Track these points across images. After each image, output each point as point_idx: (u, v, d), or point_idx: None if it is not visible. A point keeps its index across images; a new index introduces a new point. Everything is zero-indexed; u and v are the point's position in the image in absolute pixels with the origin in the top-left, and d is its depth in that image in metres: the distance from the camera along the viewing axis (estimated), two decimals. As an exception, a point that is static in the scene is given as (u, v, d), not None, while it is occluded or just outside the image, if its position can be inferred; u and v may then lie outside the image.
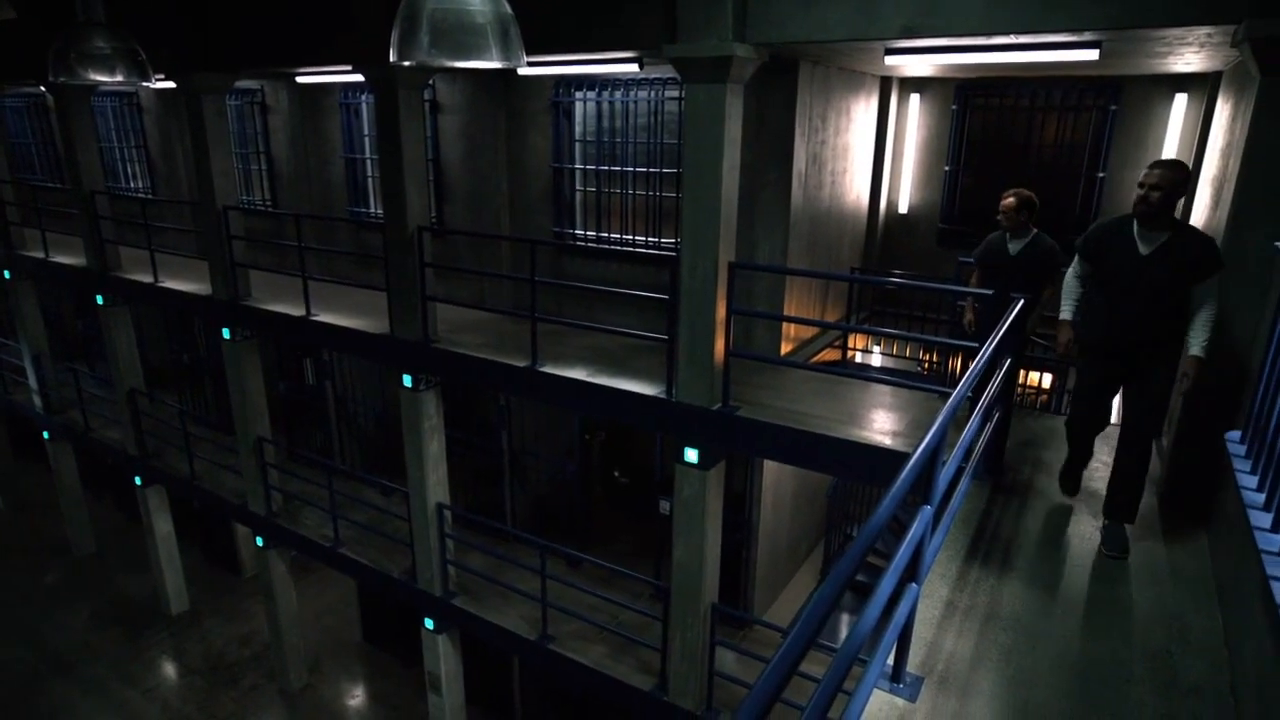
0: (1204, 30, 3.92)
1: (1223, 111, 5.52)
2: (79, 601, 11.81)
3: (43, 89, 10.93)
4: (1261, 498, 2.23)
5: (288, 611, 9.66)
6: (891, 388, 5.94)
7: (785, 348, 6.83)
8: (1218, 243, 3.64)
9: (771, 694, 1.38)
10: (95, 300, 10.24)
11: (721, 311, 5.28)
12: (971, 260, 5.20)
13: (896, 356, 8.27)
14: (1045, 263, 4.82)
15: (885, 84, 7.76)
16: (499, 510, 8.97)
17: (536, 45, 2.90)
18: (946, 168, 7.82)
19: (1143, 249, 3.64)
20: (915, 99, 7.85)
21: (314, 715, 9.68)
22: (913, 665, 2.98)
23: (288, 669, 9.88)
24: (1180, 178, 3.50)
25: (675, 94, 6.83)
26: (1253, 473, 2.40)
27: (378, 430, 10.19)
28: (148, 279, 9.36)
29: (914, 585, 2.78)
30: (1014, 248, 4.90)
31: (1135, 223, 3.65)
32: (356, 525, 8.52)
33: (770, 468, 7.02)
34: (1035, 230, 4.88)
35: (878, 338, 8.15)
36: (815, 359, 7.16)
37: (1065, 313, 4.09)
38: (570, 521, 8.70)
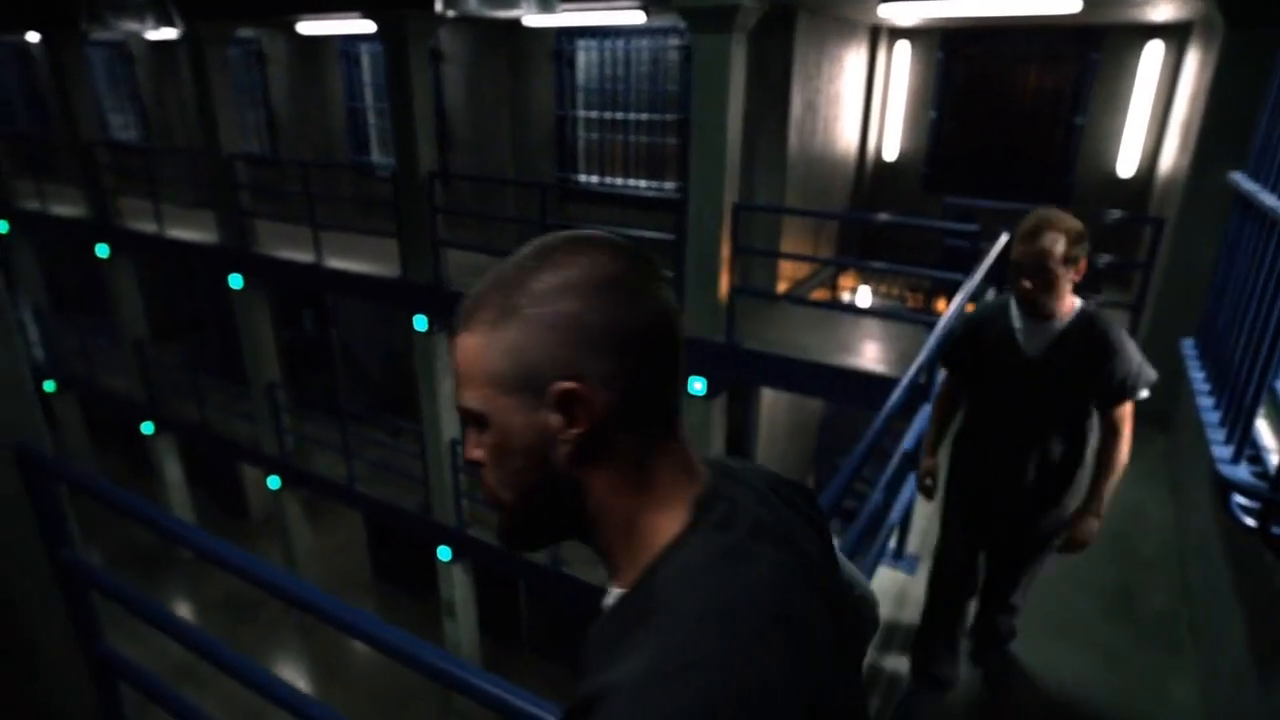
0: (1176, -18, 4.28)
1: (1192, 59, 5.90)
2: (92, 547, 12.15)
3: (33, 39, 10.83)
4: (1209, 386, 2.68)
5: (302, 550, 10.09)
6: (880, 324, 6.39)
7: (780, 287, 7.23)
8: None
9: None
10: (96, 252, 10.35)
11: (726, 250, 5.66)
12: (949, 360, 2.62)
13: (884, 296, 8.71)
14: (1103, 374, 2.25)
15: (874, 33, 8.03)
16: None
17: (561, -4, 3.21)
18: (932, 114, 8.15)
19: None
20: (903, 48, 8.14)
21: (330, 647, 10.20)
22: (911, 547, 3.45)
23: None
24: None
25: (677, 42, 7.08)
26: (1202, 369, 2.85)
27: (384, 374, 10.52)
28: (150, 229, 9.50)
29: (914, 473, 3.23)
30: (1033, 340, 2.34)
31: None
32: (368, 464, 8.90)
33: (766, 402, 7.48)
34: (1082, 302, 2.32)
35: (866, 279, 8.57)
36: (808, 299, 7.57)
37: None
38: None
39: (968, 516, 2.59)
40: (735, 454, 6.96)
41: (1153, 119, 6.98)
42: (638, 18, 6.80)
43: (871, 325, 6.44)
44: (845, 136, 8.00)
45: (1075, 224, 2.16)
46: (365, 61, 9.12)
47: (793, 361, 5.67)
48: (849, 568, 0.98)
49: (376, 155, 9.50)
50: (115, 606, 2.19)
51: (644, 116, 7.51)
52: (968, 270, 4.70)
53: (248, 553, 1.81)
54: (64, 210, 10.72)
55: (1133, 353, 2.24)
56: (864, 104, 8.29)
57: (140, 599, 2.15)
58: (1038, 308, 2.23)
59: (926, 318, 5.86)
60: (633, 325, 0.69)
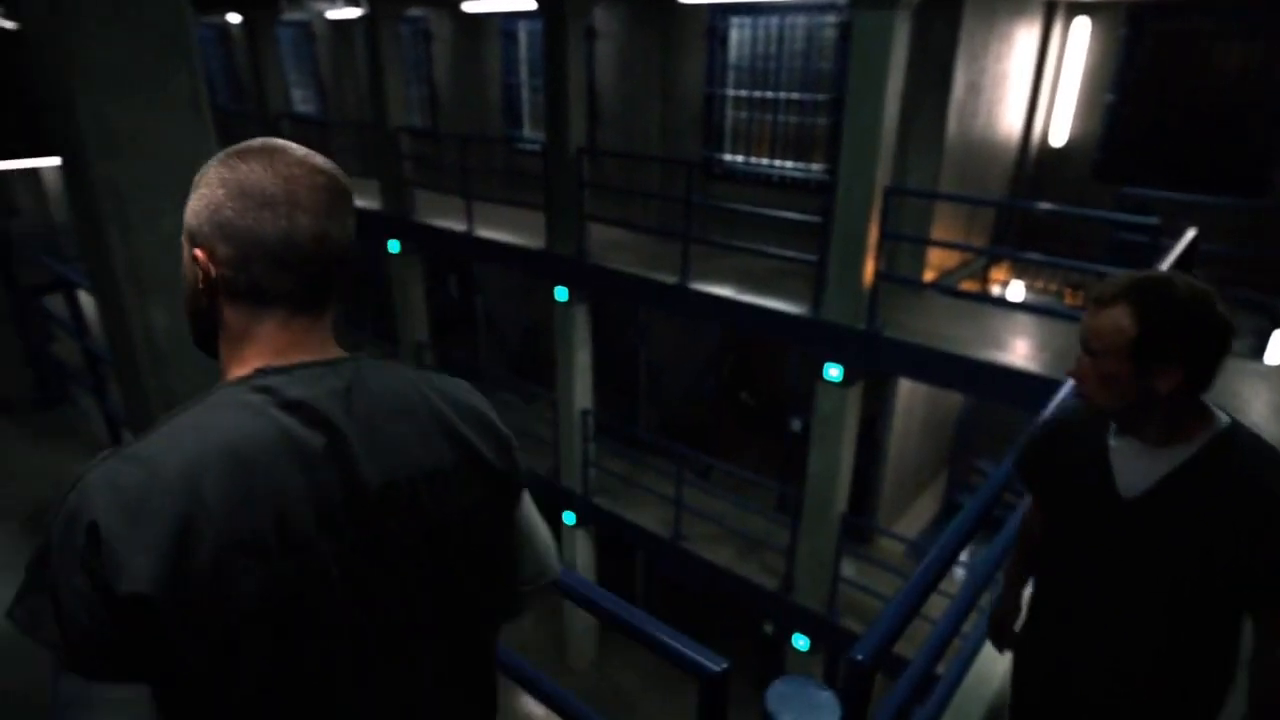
0: None
1: None
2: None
3: (231, 19, 11.95)
4: None
5: (438, 501, 10.75)
6: (1033, 320, 6.05)
7: (927, 276, 6.95)
8: None
9: (916, 598, 1.54)
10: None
11: (874, 235, 5.51)
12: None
13: (1039, 292, 8.19)
14: (1250, 550, 1.34)
15: (1050, 9, 7.49)
16: (632, 420, 9.61)
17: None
18: (1109, 97, 7.52)
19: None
20: (1081, 24, 7.54)
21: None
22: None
23: (437, 552, 11.06)
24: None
25: (834, 19, 6.89)
26: None
27: (522, 341, 10.98)
28: (323, 195, 10.32)
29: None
30: (1134, 470, 1.48)
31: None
32: (504, 427, 9.35)
33: (903, 394, 7.24)
34: (1223, 420, 1.43)
35: (1020, 271, 8.09)
36: (955, 290, 7.24)
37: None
38: (700, 434, 9.23)
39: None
40: (865, 443, 6.74)
41: (1382, 105, 6.15)
42: (795, -6, 6.68)
43: (1023, 321, 6.11)
44: (1009, 119, 7.54)
45: (1184, 300, 1.31)
46: (523, 39, 9.46)
47: (936, 353, 5.46)
48: (534, 528, 1.14)
49: (528, 130, 9.86)
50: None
51: (794, 96, 7.38)
52: (1143, 268, 4.33)
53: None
54: (250, 176, 11.81)
55: None
56: (1032, 85, 7.77)
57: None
58: (1114, 418, 1.47)
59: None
60: (257, 231, 0.88)
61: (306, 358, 0.92)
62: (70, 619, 0.75)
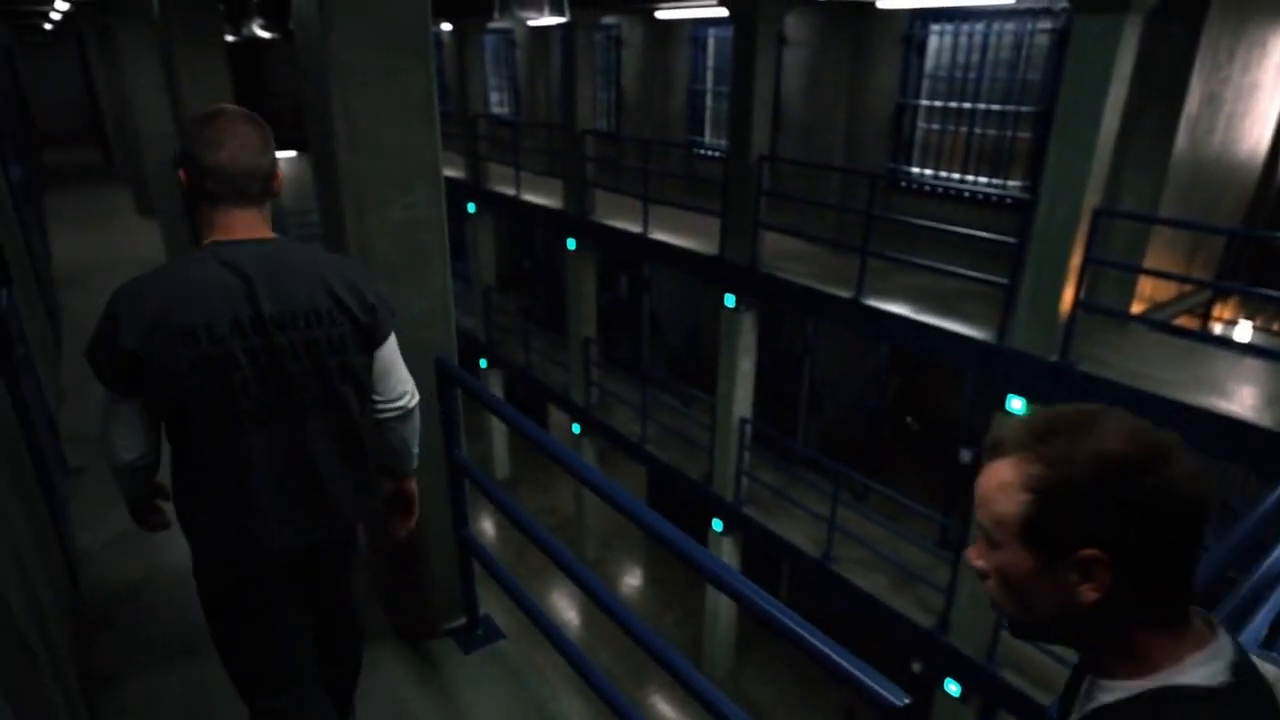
0: None
1: None
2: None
3: (442, 27, 12.97)
4: None
5: (588, 493, 11.09)
6: (1265, 367, 5.32)
7: (1135, 308, 6.30)
8: None
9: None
10: (466, 208, 12.19)
11: (1076, 259, 5.06)
12: None
13: (1275, 335, 7.18)
14: None
15: (1317, 11, 6.53)
16: (790, 433, 9.43)
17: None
18: (1388, 115, 6.46)
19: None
20: (1357, 30, 6.51)
21: (605, 585, 11.16)
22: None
23: (585, 540, 11.42)
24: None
25: (1047, 25, 6.41)
26: None
27: (686, 344, 11.09)
28: (509, 192, 10.95)
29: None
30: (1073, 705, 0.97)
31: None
32: (659, 427, 9.49)
33: (1094, 434, 6.60)
34: (1180, 674, 0.82)
35: (1251, 310, 7.14)
36: (1168, 325, 6.49)
37: None
38: (859, 455, 8.90)
39: None
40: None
41: None
42: (1006, -2, 6.28)
43: (1250, 366, 5.39)
44: (1253, 137, 6.67)
45: (1107, 455, 0.79)
46: (710, 45, 9.56)
47: (1138, 393, 4.93)
48: (395, 363, 1.79)
49: (709, 136, 9.95)
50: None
51: (994, 107, 6.94)
52: None
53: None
54: (448, 172, 12.75)
55: None
56: (1286, 99, 6.82)
57: (504, 497, 2.56)
58: (1039, 635, 0.92)
59: (1341, 366, 4.75)
60: (204, 161, 1.53)
61: (242, 236, 1.57)
62: (100, 357, 1.49)
